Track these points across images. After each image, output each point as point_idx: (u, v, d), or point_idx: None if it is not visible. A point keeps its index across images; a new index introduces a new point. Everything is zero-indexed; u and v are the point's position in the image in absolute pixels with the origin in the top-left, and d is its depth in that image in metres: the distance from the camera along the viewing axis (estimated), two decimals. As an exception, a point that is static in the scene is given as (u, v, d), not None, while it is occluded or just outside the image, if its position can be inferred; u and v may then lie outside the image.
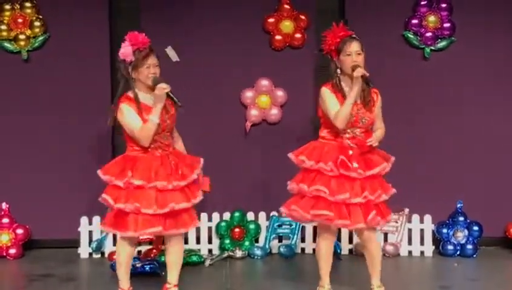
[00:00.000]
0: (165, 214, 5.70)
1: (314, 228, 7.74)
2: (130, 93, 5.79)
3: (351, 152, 5.87)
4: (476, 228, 7.76)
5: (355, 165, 5.80)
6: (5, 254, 7.66)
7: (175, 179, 5.75)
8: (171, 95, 5.76)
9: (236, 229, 7.84)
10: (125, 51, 5.72)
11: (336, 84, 5.91)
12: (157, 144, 5.80)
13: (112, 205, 5.72)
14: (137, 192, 5.67)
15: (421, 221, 7.75)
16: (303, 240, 7.92)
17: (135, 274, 6.68)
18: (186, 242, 7.61)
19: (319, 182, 5.85)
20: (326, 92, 5.93)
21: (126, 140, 5.88)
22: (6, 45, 7.79)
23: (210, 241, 7.86)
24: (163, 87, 5.68)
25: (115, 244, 7.42)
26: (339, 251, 7.57)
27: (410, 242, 7.81)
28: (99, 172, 5.85)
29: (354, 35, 5.90)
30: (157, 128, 5.72)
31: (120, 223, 5.74)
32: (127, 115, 5.72)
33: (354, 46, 5.83)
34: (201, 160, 6.09)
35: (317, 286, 6.20)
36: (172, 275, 6.09)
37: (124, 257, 5.94)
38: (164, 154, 5.83)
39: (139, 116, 5.70)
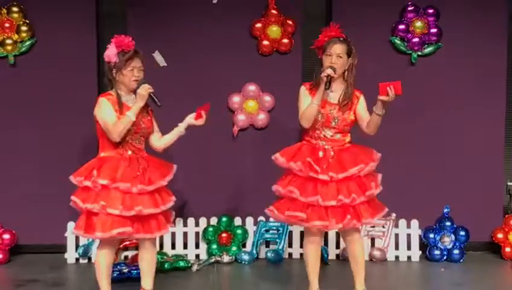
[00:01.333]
0: (133, 217, 5.65)
1: (301, 233, 7.76)
2: (113, 92, 5.80)
3: (321, 154, 5.92)
4: (462, 233, 7.79)
5: (317, 168, 5.82)
6: None
7: (140, 183, 5.69)
8: (153, 95, 5.75)
9: (224, 234, 7.83)
10: (110, 52, 5.74)
11: (314, 84, 5.96)
12: (128, 145, 5.78)
13: (80, 206, 5.71)
14: (104, 192, 5.63)
15: (408, 226, 7.78)
16: (290, 245, 7.92)
17: (122, 279, 6.74)
18: (173, 247, 7.76)
19: (294, 183, 5.91)
20: (301, 91, 6.05)
21: (98, 139, 5.88)
22: None
23: (197, 246, 7.85)
24: (147, 87, 5.70)
25: None
26: (326, 255, 7.59)
27: (397, 247, 7.84)
28: (71, 177, 5.86)
29: (342, 38, 5.93)
30: (131, 129, 5.71)
31: (89, 226, 5.68)
32: (103, 108, 5.71)
33: (336, 48, 5.88)
34: (175, 167, 6.02)
35: None
36: (146, 281, 6.04)
37: (104, 266, 5.87)
38: (134, 157, 5.79)
39: (117, 114, 5.70)
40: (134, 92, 5.77)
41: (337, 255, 7.79)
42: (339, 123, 5.93)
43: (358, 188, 5.85)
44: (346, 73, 5.97)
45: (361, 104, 5.98)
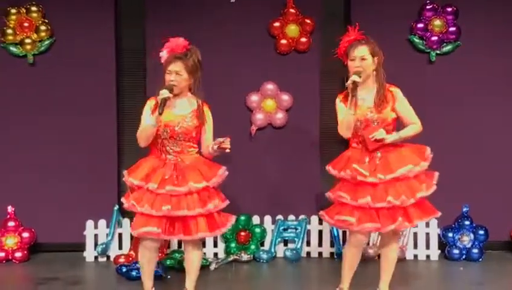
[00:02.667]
0: (166, 218, 5.69)
1: (320, 232, 7.89)
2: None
3: (367, 159, 5.86)
4: (481, 232, 7.78)
5: (365, 172, 5.77)
6: (10, 258, 7.69)
7: (171, 184, 5.69)
8: (160, 102, 5.64)
9: (242, 233, 7.85)
10: (162, 53, 5.84)
11: (347, 93, 5.87)
12: (165, 148, 5.79)
13: (124, 203, 5.83)
14: (139, 192, 5.73)
15: (427, 225, 7.75)
16: (308, 243, 7.93)
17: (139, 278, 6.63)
18: None
19: (343, 189, 5.89)
20: (336, 102, 6.01)
21: None
22: (12, 49, 7.83)
23: (215, 245, 7.86)
24: (161, 93, 5.67)
25: (120, 248, 7.65)
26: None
27: (415, 246, 7.83)
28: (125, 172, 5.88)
29: (363, 40, 5.88)
30: (164, 133, 5.73)
31: (133, 223, 5.84)
32: (143, 112, 5.81)
33: (358, 51, 5.83)
34: (222, 169, 5.99)
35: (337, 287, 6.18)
36: (188, 280, 6.09)
37: (143, 262, 5.92)
38: (172, 160, 5.80)
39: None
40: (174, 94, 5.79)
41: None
42: (380, 124, 5.86)
43: (408, 189, 5.79)
44: (374, 73, 5.90)
45: (399, 101, 5.91)
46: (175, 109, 5.82)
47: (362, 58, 5.82)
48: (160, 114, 5.63)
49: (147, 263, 5.91)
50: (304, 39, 7.98)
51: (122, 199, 5.83)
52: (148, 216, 5.66)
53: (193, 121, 5.84)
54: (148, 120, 5.69)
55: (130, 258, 7.27)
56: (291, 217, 7.94)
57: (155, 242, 5.85)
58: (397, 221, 5.76)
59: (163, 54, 5.83)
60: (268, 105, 7.99)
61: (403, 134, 5.89)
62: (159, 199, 5.67)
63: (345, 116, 5.82)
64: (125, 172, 5.78)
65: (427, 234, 7.80)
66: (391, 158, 5.83)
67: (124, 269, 6.97)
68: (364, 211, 5.78)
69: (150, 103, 5.79)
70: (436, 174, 5.98)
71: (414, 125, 5.94)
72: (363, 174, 5.78)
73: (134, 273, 6.82)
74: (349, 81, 5.74)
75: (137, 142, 5.77)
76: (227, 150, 5.90)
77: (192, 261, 6.04)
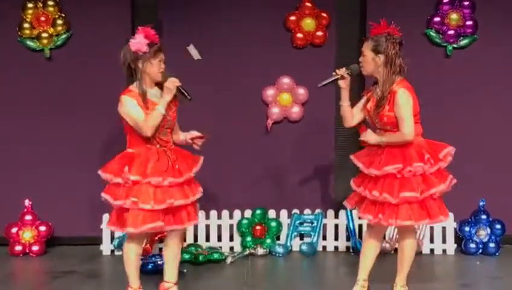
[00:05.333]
0: (164, 210, 5.69)
1: (336, 226, 7.90)
2: (133, 87, 5.78)
3: (380, 150, 5.89)
4: (498, 226, 7.76)
5: (359, 164, 5.93)
6: (28, 251, 7.72)
7: (171, 175, 5.72)
8: (182, 89, 5.78)
9: (258, 227, 7.85)
10: (139, 41, 5.71)
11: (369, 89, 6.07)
12: (155, 139, 5.79)
13: (111, 203, 5.75)
14: (135, 188, 5.65)
15: (443, 218, 7.72)
16: (324, 238, 7.92)
17: (156, 271, 6.72)
18: (207, 239, 7.79)
19: (356, 179, 6.07)
20: None
21: (126, 134, 5.88)
22: (29, 43, 7.83)
23: (231, 238, 7.88)
24: (175, 81, 5.73)
25: None
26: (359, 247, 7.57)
27: (432, 240, 7.81)
28: (99, 172, 5.85)
29: (370, 36, 5.87)
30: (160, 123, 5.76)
31: (121, 221, 5.73)
32: (129, 106, 5.71)
33: (363, 46, 5.89)
34: (201, 158, 6.02)
35: None
36: (170, 272, 6.07)
37: (133, 259, 5.91)
38: (162, 150, 5.81)
39: (142, 109, 5.72)
40: (157, 85, 5.82)
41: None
42: (378, 122, 5.86)
43: (399, 187, 5.73)
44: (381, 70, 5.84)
45: (396, 104, 5.73)
46: (160, 98, 5.82)
47: (362, 54, 5.85)
48: (190, 100, 5.77)
49: (137, 257, 5.96)
50: (319, 33, 7.96)
51: (107, 197, 5.77)
52: (151, 211, 5.64)
53: (174, 109, 5.89)
54: (161, 109, 5.67)
55: (146, 252, 7.22)
56: (307, 211, 7.94)
57: (145, 236, 6.03)
58: (377, 217, 5.79)
59: (141, 41, 5.71)
60: (284, 99, 7.98)
61: (386, 139, 5.82)
62: (159, 192, 5.68)
63: (341, 108, 6.04)
64: (126, 169, 5.66)
65: (444, 228, 7.78)
66: (392, 154, 5.79)
67: (140, 263, 6.88)
68: (367, 201, 5.91)
69: (128, 97, 5.73)
70: (450, 177, 5.91)
71: (398, 134, 5.79)
72: (358, 165, 5.95)
73: (150, 266, 6.86)
74: (337, 71, 5.94)
75: (141, 132, 5.69)
76: (196, 147, 6.02)
77: (178, 253, 6.09)
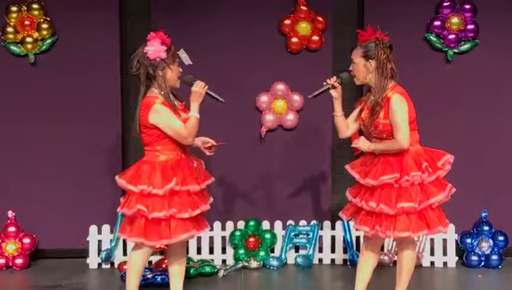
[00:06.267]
0: (193, 217, 5.80)
1: (332, 238, 7.88)
2: (156, 94, 5.77)
3: (370, 161, 5.92)
4: (501, 237, 7.73)
5: (354, 174, 5.92)
6: (11, 264, 7.67)
7: (201, 182, 5.87)
8: (211, 92, 5.92)
9: (251, 239, 7.79)
10: (157, 48, 5.74)
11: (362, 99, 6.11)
12: (180, 147, 5.85)
13: (146, 215, 5.69)
14: (172, 198, 5.71)
15: (443, 230, 7.66)
16: (320, 250, 7.88)
17: (146, 285, 6.74)
18: (199, 252, 7.79)
19: (352, 189, 6.08)
20: None
21: (150, 143, 5.84)
22: (13, 48, 7.77)
23: (224, 251, 7.83)
24: (203, 85, 5.83)
25: (125, 254, 7.64)
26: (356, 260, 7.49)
27: (432, 252, 7.78)
28: (123, 183, 5.85)
29: (361, 43, 5.87)
30: None
31: (152, 233, 5.74)
32: (167, 116, 5.72)
33: (352, 54, 5.92)
34: (203, 162, 6.14)
35: None
36: (177, 284, 6.11)
37: (138, 266, 5.90)
38: (188, 158, 5.91)
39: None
40: (175, 88, 5.93)
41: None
42: (374, 131, 5.82)
43: (396, 198, 5.71)
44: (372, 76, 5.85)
45: (390, 110, 5.71)
46: (178, 104, 5.93)
47: (353, 62, 5.87)
48: (223, 102, 5.97)
49: (142, 267, 5.96)
50: (315, 37, 7.90)
51: (143, 209, 5.69)
52: (185, 220, 5.74)
53: None
54: (196, 114, 5.76)
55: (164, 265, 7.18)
56: (303, 222, 7.87)
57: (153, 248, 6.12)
58: (374, 229, 5.78)
59: (158, 47, 5.75)
60: (279, 106, 7.93)
61: (379, 146, 5.82)
62: (191, 200, 5.79)
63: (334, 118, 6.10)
64: (174, 180, 5.68)
65: (444, 240, 7.74)
66: (388, 163, 5.76)
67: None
68: (363, 212, 5.88)
69: (163, 107, 5.72)
70: (449, 187, 5.88)
71: (392, 141, 5.75)
72: (354, 176, 5.95)
73: (159, 279, 6.96)
74: (327, 81, 5.98)
75: (183, 141, 5.77)
76: (209, 153, 6.18)
77: (183, 265, 6.17)
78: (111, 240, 7.63)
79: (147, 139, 5.83)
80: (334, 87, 5.94)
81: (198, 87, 5.79)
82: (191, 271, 7.16)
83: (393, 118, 5.68)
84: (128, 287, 5.95)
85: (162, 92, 5.76)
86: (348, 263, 7.71)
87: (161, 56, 5.72)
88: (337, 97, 5.97)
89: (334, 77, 5.99)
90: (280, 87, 7.91)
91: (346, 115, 6.05)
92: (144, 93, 5.81)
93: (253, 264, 7.64)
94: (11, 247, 7.64)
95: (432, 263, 7.74)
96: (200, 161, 6.08)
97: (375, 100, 5.76)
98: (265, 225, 7.86)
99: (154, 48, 5.72)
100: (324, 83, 5.99)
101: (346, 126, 6.05)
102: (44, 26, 7.73)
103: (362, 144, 5.88)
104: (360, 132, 6.10)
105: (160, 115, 5.70)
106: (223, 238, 7.80)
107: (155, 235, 5.72)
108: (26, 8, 7.72)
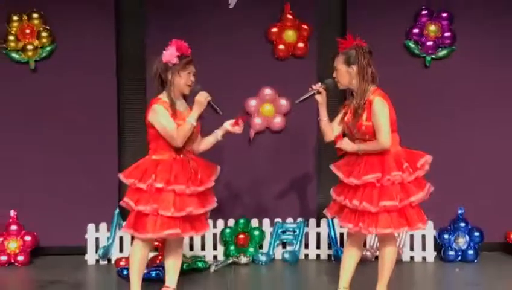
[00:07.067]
0: (181, 217, 5.84)
1: (318, 235, 7.95)
2: (162, 96, 5.94)
3: (354, 161, 5.99)
4: (477, 233, 7.83)
5: (339, 174, 6.00)
6: (13, 261, 7.73)
7: (193, 185, 5.89)
8: (213, 104, 6.00)
9: (241, 236, 7.90)
10: (170, 53, 5.88)
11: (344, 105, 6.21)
12: (180, 148, 5.95)
13: (132, 207, 5.86)
14: (157, 194, 5.81)
15: (421, 226, 7.79)
16: (306, 246, 7.99)
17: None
18: (191, 249, 7.82)
19: (336, 188, 6.16)
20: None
21: (150, 142, 6.01)
22: (14, 55, 7.86)
23: (215, 247, 7.92)
24: (206, 96, 5.94)
25: (121, 251, 7.66)
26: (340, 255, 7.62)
27: (412, 248, 7.89)
28: (121, 176, 6.00)
29: (342, 51, 5.99)
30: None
31: (139, 225, 5.86)
32: (162, 115, 5.85)
33: (335, 62, 6.03)
34: (218, 168, 6.24)
35: None
36: (171, 277, 6.24)
37: (138, 258, 6.00)
38: (185, 159, 5.97)
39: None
40: (183, 97, 6.05)
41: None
42: (360, 133, 5.89)
43: (378, 196, 5.80)
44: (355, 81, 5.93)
45: (372, 112, 5.81)
46: (186, 110, 6.04)
47: (336, 69, 5.98)
48: (221, 114, 6.02)
49: (142, 261, 6.06)
50: (301, 44, 8.01)
51: (129, 201, 5.87)
52: (170, 218, 5.80)
53: (199, 121, 6.06)
54: (192, 121, 5.87)
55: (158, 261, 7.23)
56: (290, 219, 7.99)
57: (152, 244, 6.18)
58: (357, 225, 5.87)
59: (172, 52, 5.89)
60: (267, 109, 8.04)
61: (362, 147, 5.91)
62: (179, 200, 5.83)
63: (320, 123, 6.17)
64: (152, 176, 5.82)
65: (423, 236, 7.84)
66: (371, 163, 5.86)
67: (126, 272, 6.94)
68: (346, 210, 5.97)
69: (161, 106, 5.88)
70: (428, 185, 5.98)
71: (375, 142, 5.85)
72: (338, 175, 6.01)
73: (153, 274, 6.97)
74: (313, 86, 6.09)
75: (172, 142, 5.88)
76: (239, 131, 6.30)
77: (179, 259, 6.28)
78: (108, 238, 7.70)
79: (147, 138, 5.99)
80: (319, 92, 6.04)
81: (202, 97, 5.92)
82: (184, 266, 7.05)
83: (376, 120, 5.76)
84: (131, 280, 6.06)
85: (168, 95, 5.91)
86: (333, 258, 7.80)
87: (172, 61, 5.85)
88: (322, 102, 6.06)
89: (319, 83, 6.10)
90: (268, 91, 8.00)
91: (331, 119, 6.12)
92: (155, 95, 5.98)
93: (243, 259, 7.72)
94: (13, 244, 7.70)
95: (412, 257, 7.84)
96: (213, 167, 6.18)
97: (357, 103, 5.83)
98: (254, 222, 7.94)
99: (169, 53, 5.87)
100: (310, 89, 6.08)
101: (331, 130, 6.12)
102: (44, 34, 7.82)
103: (346, 144, 5.96)
104: (343, 134, 6.13)
105: (156, 113, 5.85)
106: (214, 235, 7.86)
107: (142, 228, 5.82)
108: (26, 18, 7.80)
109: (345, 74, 5.93)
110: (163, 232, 5.82)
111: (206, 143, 6.25)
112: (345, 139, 6.02)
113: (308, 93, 6.12)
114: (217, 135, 6.23)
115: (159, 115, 5.87)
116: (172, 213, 5.78)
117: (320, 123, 6.16)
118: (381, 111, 5.79)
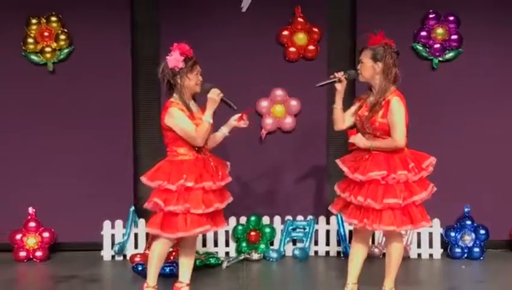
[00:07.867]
0: (208, 214, 5.99)
1: (327, 232, 8.02)
2: (175, 99, 6.05)
3: (360, 157, 6.10)
4: (482, 231, 7.91)
5: (344, 169, 6.12)
6: (31, 257, 7.84)
7: (217, 180, 6.04)
8: (226, 99, 6.12)
9: (253, 233, 8.00)
10: (175, 58, 5.98)
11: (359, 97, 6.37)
12: (195, 148, 6.06)
13: (162, 207, 5.94)
14: (186, 194, 5.93)
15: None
16: (316, 243, 8.08)
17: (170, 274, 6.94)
18: (204, 245, 7.90)
19: (340, 183, 6.29)
20: None
21: (167, 145, 6.11)
22: (33, 57, 7.95)
23: (227, 244, 8.02)
24: (218, 93, 6.05)
25: (136, 247, 7.77)
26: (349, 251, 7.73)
27: (419, 245, 7.97)
28: (144, 179, 6.09)
29: (368, 46, 6.09)
30: None
31: (167, 225, 5.96)
32: (180, 118, 5.96)
33: (361, 55, 6.14)
34: (229, 163, 6.39)
35: None
36: (185, 273, 6.36)
37: (159, 253, 6.11)
38: (206, 157, 6.11)
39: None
40: (194, 95, 6.17)
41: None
42: (372, 129, 6.02)
43: (382, 194, 5.89)
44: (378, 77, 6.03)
45: (389, 111, 5.93)
46: (198, 111, 6.15)
47: (361, 62, 6.07)
48: (235, 109, 6.17)
49: (164, 255, 6.18)
50: (311, 47, 8.09)
51: (159, 202, 5.96)
52: (200, 216, 5.94)
53: None
54: (209, 119, 6.01)
55: (172, 257, 7.25)
56: (300, 217, 8.09)
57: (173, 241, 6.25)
58: (362, 221, 5.98)
59: (177, 57, 5.98)
60: (278, 110, 8.12)
61: (376, 144, 6.01)
62: (206, 197, 5.98)
63: (333, 110, 6.26)
64: (184, 177, 5.93)
65: (430, 233, 7.90)
66: (377, 160, 5.97)
67: (140, 268, 7.07)
68: (352, 206, 6.08)
69: (177, 109, 5.98)
70: (431, 186, 6.08)
71: (389, 140, 5.98)
72: (343, 170, 6.12)
73: (168, 270, 7.01)
74: (335, 74, 6.18)
75: (193, 142, 6.01)
76: (244, 125, 6.37)
77: (192, 254, 6.40)
78: (123, 234, 7.82)
79: (165, 141, 6.09)
80: (340, 81, 6.15)
81: (214, 94, 6.01)
82: (197, 263, 7.11)
83: (393, 118, 5.89)
84: (148, 274, 6.16)
85: (180, 98, 6.01)
86: (342, 255, 7.88)
87: (179, 65, 5.95)
88: (340, 91, 6.17)
89: (342, 72, 6.19)
90: (279, 93, 8.11)
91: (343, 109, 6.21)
92: (167, 98, 6.08)
93: (254, 256, 7.83)
94: (31, 241, 7.82)
95: (419, 254, 7.94)
96: (225, 163, 6.32)
97: (376, 100, 5.96)
98: (266, 220, 8.04)
99: (173, 58, 5.96)
100: (331, 76, 6.19)
101: (343, 120, 6.23)
102: (62, 37, 7.91)
103: (359, 140, 6.06)
104: (356, 129, 6.22)
105: (174, 118, 5.94)
106: (227, 232, 7.94)
107: (172, 227, 5.92)
108: (45, 21, 7.90)
109: (370, 69, 6.04)
110: (195, 230, 5.97)
111: (214, 140, 6.33)
112: (358, 134, 6.11)
113: (329, 80, 6.23)
114: (224, 131, 6.32)
115: (176, 118, 5.96)
116: (203, 210, 5.92)
117: (334, 111, 6.26)
118: (398, 110, 5.93)
